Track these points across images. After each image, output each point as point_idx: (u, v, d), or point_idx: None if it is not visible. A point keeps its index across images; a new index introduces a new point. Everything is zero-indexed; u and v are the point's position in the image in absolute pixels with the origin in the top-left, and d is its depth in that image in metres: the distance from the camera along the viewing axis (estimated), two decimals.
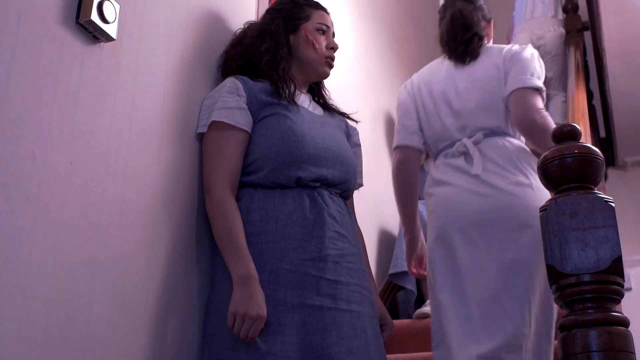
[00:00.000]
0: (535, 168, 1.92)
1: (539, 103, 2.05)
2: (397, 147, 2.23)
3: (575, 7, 4.90)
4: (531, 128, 2.03)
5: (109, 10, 1.43)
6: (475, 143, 2.04)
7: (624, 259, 1.11)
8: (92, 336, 1.33)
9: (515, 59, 2.11)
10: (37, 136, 1.26)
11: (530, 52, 2.15)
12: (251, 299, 1.50)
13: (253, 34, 1.89)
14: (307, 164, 1.71)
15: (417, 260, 2.25)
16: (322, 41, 1.91)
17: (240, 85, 1.77)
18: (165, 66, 1.67)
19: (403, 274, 3.02)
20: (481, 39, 2.21)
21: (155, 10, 1.65)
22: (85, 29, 1.41)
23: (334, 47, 1.93)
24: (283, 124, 1.73)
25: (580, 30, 4.84)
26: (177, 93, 1.70)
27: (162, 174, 1.61)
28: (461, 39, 2.19)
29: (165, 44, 1.68)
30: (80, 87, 1.38)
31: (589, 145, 1.18)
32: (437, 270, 1.99)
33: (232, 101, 1.73)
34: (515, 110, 2.05)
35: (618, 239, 1.10)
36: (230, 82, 1.78)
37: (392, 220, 3.37)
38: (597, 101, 5.25)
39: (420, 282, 3.03)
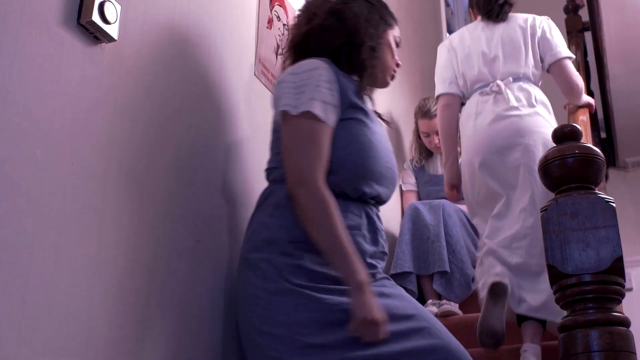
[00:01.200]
0: (547, 105, 2.57)
1: (574, 69, 2.71)
2: (441, 95, 2.77)
3: (576, 8, 4.89)
4: (577, 89, 2.75)
5: (110, 11, 1.43)
6: (506, 85, 2.57)
7: (625, 259, 1.11)
8: (92, 336, 1.33)
9: (542, 31, 2.69)
10: (38, 136, 1.27)
11: (548, 25, 2.72)
12: (374, 304, 1.46)
13: (349, 13, 1.76)
14: (374, 181, 1.66)
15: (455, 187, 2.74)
16: (395, 53, 1.90)
17: (334, 78, 1.66)
18: (166, 66, 1.67)
19: (404, 275, 3.02)
20: (511, 5, 2.75)
21: (156, 10, 1.65)
22: (87, 29, 1.41)
23: (399, 64, 1.92)
24: (363, 134, 1.66)
25: (580, 30, 4.84)
26: (179, 93, 1.70)
27: (164, 174, 1.61)
28: (495, 2, 2.74)
29: (166, 44, 1.68)
30: (81, 87, 1.38)
31: (590, 145, 1.18)
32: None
33: (329, 96, 1.63)
34: (563, 76, 2.69)
35: (619, 239, 1.10)
36: (327, 71, 1.66)
37: (393, 222, 3.37)
38: (597, 101, 5.25)
39: (421, 282, 3.03)
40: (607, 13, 4.70)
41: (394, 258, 3.06)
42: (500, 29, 2.72)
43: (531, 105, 2.53)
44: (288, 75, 1.68)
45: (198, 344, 1.64)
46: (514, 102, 2.52)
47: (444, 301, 2.91)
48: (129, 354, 1.42)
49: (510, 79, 2.60)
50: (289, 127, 1.61)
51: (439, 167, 3.50)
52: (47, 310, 1.24)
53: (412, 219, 3.10)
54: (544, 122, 2.50)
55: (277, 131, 1.71)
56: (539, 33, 2.69)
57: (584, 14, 4.95)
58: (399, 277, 3.03)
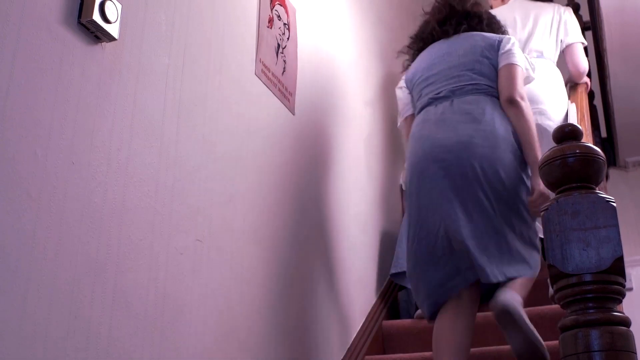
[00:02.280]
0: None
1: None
2: None
3: (577, 7, 4.89)
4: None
5: (111, 10, 1.43)
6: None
7: (626, 259, 1.11)
8: (93, 336, 1.33)
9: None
10: (38, 136, 1.27)
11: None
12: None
13: None
14: None
15: None
16: None
17: None
18: (166, 66, 1.67)
19: (404, 274, 3.02)
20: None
21: (157, 9, 1.65)
22: (87, 28, 1.41)
23: None
24: None
25: (581, 30, 4.83)
26: (179, 92, 1.70)
27: (164, 173, 1.61)
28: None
29: (166, 43, 1.68)
30: (81, 86, 1.39)
31: (591, 145, 1.18)
32: None
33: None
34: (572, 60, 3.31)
35: (619, 239, 1.10)
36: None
37: (394, 221, 3.37)
38: (598, 101, 5.24)
39: None
40: (608, 12, 4.70)
41: (394, 257, 3.06)
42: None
43: None
44: (510, 37, 2.40)
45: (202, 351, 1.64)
46: None
47: None
48: (129, 354, 1.42)
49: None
50: (515, 68, 2.30)
51: None
52: (47, 310, 1.24)
53: None
54: None
55: (487, 57, 2.34)
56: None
57: (584, 14, 4.95)
58: (399, 277, 3.03)
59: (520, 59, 2.34)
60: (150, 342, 1.49)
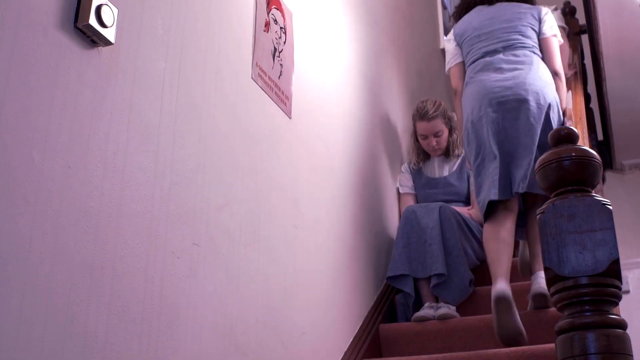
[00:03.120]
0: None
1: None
2: None
3: (573, 11, 4.91)
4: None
5: (107, 15, 1.43)
6: None
7: (622, 261, 1.11)
8: (89, 340, 1.33)
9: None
10: (35, 140, 1.27)
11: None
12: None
13: None
14: None
15: None
16: None
17: None
18: (163, 70, 1.67)
19: (401, 277, 3.02)
20: None
21: (154, 13, 1.65)
22: (84, 33, 1.41)
23: None
24: None
25: (578, 33, 4.85)
26: (175, 96, 1.70)
27: (160, 177, 1.61)
28: None
29: (163, 47, 1.68)
30: (78, 91, 1.39)
31: (587, 148, 1.18)
32: None
33: None
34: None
35: (616, 242, 1.10)
36: None
37: (391, 224, 3.37)
38: (594, 104, 5.26)
39: (418, 285, 3.03)
40: (604, 16, 4.71)
41: (391, 260, 3.07)
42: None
43: None
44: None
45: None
46: None
47: (442, 304, 2.91)
48: (127, 356, 1.42)
49: None
50: (554, 43, 2.96)
51: (436, 169, 3.51)
52: (44, 314, 1.23)
53: (409, 221, 3.11)
54: None
55: (530, 24, 2.95)
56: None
57: (580, 17, 4.96)
58: (396, 280, 3.03)
59: (555, 29, 3.00)
60: (147, 346, 1.49)
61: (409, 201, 3.47)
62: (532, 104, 2.70)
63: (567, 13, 4.83)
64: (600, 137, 5.51)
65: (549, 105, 2.73)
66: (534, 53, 2.90)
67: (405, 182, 3.55)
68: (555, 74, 2.88)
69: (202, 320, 1.68)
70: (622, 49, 4.83)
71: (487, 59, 2.90)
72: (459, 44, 3.07)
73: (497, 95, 2.75)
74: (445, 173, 3.48)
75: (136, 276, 1.48)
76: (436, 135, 3.43)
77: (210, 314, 1.72)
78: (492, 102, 2.74)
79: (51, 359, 1.24)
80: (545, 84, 2.79)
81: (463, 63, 3.04)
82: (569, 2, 4.95)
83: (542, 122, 2.70)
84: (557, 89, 2.84)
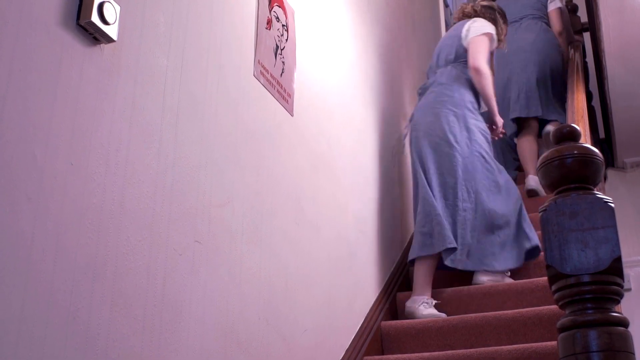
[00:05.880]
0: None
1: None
2: None
3: (575, 8, 4.90)
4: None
5: (110, 12, 1.43)
6: None
7: (624, 259, 1.11)
8: (91, 337, 1.33)
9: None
10: (37, 137, 1.27)
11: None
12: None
13: None
14: None
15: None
16: None
17: None
18: (165, 67, 1.67)
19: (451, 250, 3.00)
20: None
21: (156, 11, 1.65)
22: (86, 30, 1.41)
23: None
24: None
25: (580, 31, 4.85)
26: (177, 94, 1.70)
27: (162, 174, 1.61)
28: None
29: (165, 44, 1.68)
30: (80, 88, 1.39)
31: (589, 146, 1.18)
32: None
33: None
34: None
35: (617, 240, 1.10)
36: None
37: (393, 222, 3.37)
38: (596, 102, 5.25)
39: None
40: (606, 14, 4.70)
41: (412, 243, 3.03)
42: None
43: None
44: None
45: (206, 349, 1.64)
46: None
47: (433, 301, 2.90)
48: (128, 355, 1.42)
49: None
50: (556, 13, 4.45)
51: None
52: (46, 312, 1.24)
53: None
54: None
55: (540, 1, 4.48)
56: None
57: (582, 15, 4.96)
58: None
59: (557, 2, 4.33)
60: (149, 343, 1.49)
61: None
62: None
63: (569, 11, 4.83)
64: (602, 135, 5.50)
65: None
66: (544, 22, 4.38)
67: None
68: (558, 35, 4.33)
69: (204, 318, 1.68)
70: (624, 47, 4.81)
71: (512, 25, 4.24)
72: None
73: (521, 49, 4.28)
74: None
75: (138, 273, 1.49)
76: None
77: (212, 311, 1.73)
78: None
79: (53, 356, 1.24)
80: (549, 43, 4.34)
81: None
82: (570, 0, 4.95)
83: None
84: (560, 43, 4.34)
